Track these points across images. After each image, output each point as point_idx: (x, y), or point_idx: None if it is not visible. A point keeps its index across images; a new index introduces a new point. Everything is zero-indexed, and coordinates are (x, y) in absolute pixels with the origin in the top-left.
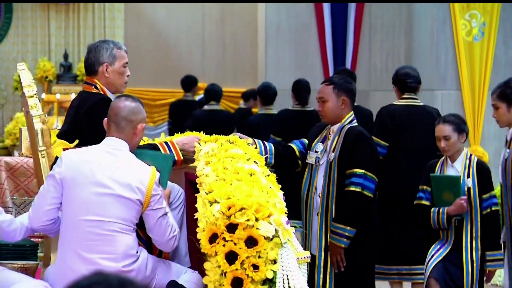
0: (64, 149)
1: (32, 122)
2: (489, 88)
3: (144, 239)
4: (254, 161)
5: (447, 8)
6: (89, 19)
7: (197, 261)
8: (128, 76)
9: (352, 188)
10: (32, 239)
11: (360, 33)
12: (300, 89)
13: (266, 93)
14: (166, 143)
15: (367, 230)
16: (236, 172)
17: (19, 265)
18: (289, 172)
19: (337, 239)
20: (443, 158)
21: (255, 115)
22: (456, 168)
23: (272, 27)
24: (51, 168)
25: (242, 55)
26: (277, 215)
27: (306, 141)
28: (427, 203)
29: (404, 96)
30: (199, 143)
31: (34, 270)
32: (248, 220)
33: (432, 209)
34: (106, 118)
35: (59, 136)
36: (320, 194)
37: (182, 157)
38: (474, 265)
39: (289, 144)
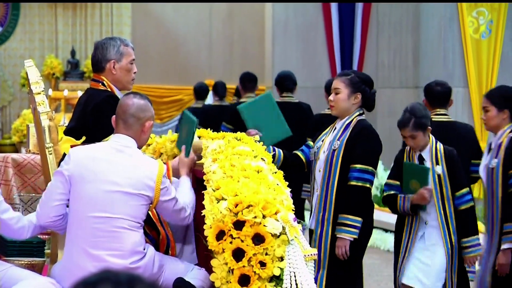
0: (71, 146)
1: (39, 119)
2: (496, 85)
3: (151, 236)
4: (261, 158)
5: (455, 5)
6: (96, 16)
7: (204, 258)
8: (135, 73)
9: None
10: (39, 236)
11: (367, 31)
12: (218, 88)
13: (200, 90)
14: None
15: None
16: (243, 169)
17: (25, 262)
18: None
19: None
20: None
21: (188, 108)
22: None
23: (280, 25)
24: (58, 165)
25: (249, 53)
26: (284, 212)
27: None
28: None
29: (283, 95)
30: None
31: (41, 267)
32: (255, 217)
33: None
34: (114, 115)
35: (66, 133)
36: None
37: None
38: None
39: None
